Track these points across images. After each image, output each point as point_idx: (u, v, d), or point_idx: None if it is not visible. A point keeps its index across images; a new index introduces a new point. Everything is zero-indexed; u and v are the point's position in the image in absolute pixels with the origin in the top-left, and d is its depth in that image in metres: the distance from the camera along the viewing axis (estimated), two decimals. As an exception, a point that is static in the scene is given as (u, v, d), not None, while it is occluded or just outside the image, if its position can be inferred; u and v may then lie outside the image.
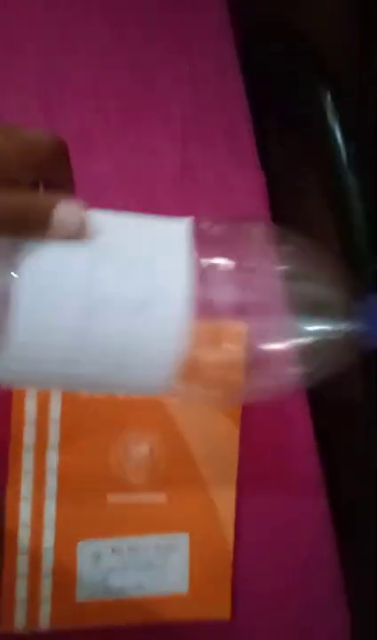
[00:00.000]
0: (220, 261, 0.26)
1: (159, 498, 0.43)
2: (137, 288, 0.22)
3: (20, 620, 0.40)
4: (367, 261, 0.46)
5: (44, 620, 0.41)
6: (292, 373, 0.27)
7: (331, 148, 0.43)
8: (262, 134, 0.46)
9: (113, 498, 0.42)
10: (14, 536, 0.41)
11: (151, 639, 0.42)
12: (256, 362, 0.26)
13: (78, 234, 0.22)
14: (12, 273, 0.21)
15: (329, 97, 0.44)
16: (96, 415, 0.43)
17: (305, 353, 0.26)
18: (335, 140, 0.42)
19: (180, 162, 0.45)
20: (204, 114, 0.45)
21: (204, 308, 0.24)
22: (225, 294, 0.25)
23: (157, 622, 0.42)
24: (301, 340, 0.26)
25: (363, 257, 0.46)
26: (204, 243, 0.25)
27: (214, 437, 0.44)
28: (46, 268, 0.22)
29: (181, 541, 0.43)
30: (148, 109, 0.44)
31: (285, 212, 0.47)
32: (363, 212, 0.45)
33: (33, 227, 0.21)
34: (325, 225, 0.46)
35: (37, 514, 0.41)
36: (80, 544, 0.41)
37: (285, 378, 0.27)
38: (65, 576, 0.41)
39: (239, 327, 0.25)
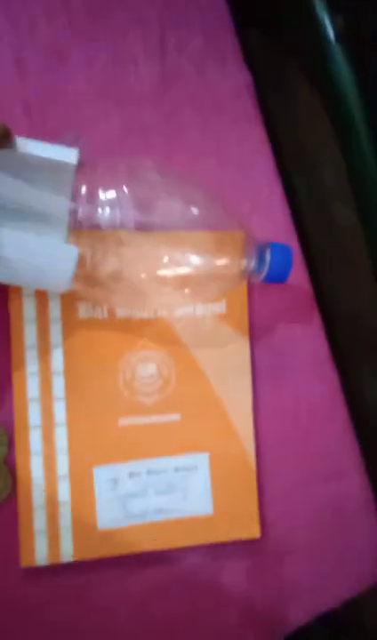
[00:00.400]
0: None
1: (173, 418, 0.41)
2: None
3: (41, 554, 0.39)
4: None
5: (67, 552, 0.39)
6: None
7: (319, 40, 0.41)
8: (245, 32, 0.44)
9: (125, 420, 0.41)
10: (26, 465, 0.39)
11: (180, 565, 0.41)
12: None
13: None
14: None
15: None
16: (99, 337, 0.41)
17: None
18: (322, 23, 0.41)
19: (160, 70, 0.43)
20: (182, 15, 0.44)
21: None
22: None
23: (184, 546, 0.40)
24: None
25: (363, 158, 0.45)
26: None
27: (224, 350, 0.42)
28: None
29: (201, 461, 0.41)
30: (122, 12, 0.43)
31: (275, 112, 0.45)
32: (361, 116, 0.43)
33: None
34: (316, 127, 0.44)
35: (48, 441, 0.40)
36: (96, 470, 0.40)
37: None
38: (83, 504, 0.40)
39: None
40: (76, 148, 0.35)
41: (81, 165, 0.36)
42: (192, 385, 0.42)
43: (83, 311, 0.41)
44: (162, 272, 0.38)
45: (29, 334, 0.40)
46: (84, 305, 0.41)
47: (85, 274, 0.38)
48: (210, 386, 0.42)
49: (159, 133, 0.43)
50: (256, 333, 0.43)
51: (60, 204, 0.36)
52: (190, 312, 0.42)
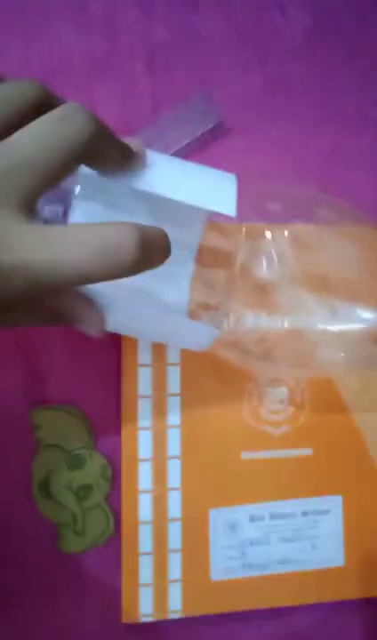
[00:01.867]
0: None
1: (304, 452, 0.35)
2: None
3: (145, 609, 0.34)
4: None
5: (175, 607, 0.34)
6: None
7: None
8: None
9: (248, 455, 0.35)
10: (132, 505, 0.34)
11: (302, 622, 0.36)
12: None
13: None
14: None
15: None
16: (221, 359, 0.34)
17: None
18: None
19: (312, 15, 0.35)
20: None
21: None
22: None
23: (310, 603, 0.35)
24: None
25: None
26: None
27: (368, 374, 0.36)
28: None
29: (334, 504, 0.36)
30: None
31: None
32: None
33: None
34: None
35: (159, 477, 0.34)
36: (212, 512, 0.35)
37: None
38: (196, 552, 0.35)
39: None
40: (233, 179, 0.26)
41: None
42: (328, 414, 0.36)
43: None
44: (322, 330, 0.32)
45: (143, 349, 0.34)
46: (207, 313, 0.34)
47: (227, 340, 0.32)
48: (349, 415, 0.36)
49: (308, 95, 0.36)
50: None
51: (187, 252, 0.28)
52: (334, 331, 0.35)
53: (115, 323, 0.27)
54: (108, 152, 0.22)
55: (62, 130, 0.20)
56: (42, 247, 0.19)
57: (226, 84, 0.35)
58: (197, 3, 0.35)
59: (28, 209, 0.20)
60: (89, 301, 0.26)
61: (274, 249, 0.31)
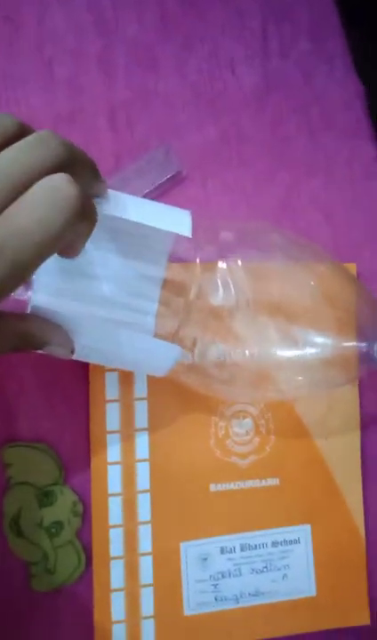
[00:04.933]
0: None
1: (271, 482, 0.39)
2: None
3: (118, 646, 0.36)
4: None
5: (149, 643, 0.37)
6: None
7: None
8: (353, 33, 0.43)
9: (217, 487, 0.39)
10: (104, 541, 0.37)
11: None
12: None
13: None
14: None
15: None
16: (186, 391, 0.39)
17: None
18: None
19: (262, 73, 0.41)
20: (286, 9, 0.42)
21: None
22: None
23: (285, 635, 0.38)
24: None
25: None
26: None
27: (330, 401, 0.40)
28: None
29: (303, 534, 0.40)
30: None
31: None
32: None
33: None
34: None
35: (130, 513, 0.37)
36: (183, 545, 0.38)
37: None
38: (168, 586, 0.38)
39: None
40: (188, 211, 0.32)
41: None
42: (293, 443, 0.40)
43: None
44: (280, 355, 0.37)
45: (111, 383, 0.38)
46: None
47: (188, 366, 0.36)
48: (313, 444, 0.41)
49: (260, 146, 0.42)
50: (367, 381, 0.41)
51: (153, 284, 0.33)
52: (291, 356, 0.40)
53: (81, 348, 0.31)
54: (82, 174, 0.25)
55: (33, 155, 0.23)
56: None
57: (183, 136, 0.41)
58: (155, 63, 0.41)
59: None
60: (55, 324, 0.30)
61: (229, 278, 0.36)
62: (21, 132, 0.25)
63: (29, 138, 0.24)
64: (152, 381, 0.40)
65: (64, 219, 0.23)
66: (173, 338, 0.37)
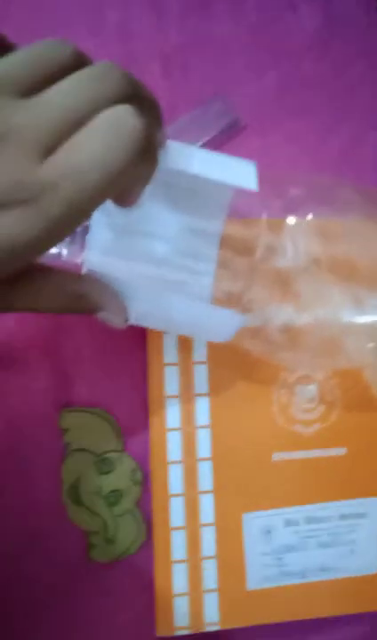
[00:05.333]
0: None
1: (337, 452, 0.37)
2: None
3: (181, 622, 0.36)
4: None
5: (212, 619, 0.36)
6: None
7: None
8: None
9: (279, 456, 0.37)
10: (165, 511, 0.36)
11: (346, 635, 0.37)
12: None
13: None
14: None
15: None
16: (249, 353, 0.37)
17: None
18: None
19: (324, 13, 0.39)
20: None
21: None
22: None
23: (352, 613, 0.37)
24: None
25: None
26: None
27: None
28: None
29: (372, 508, 0.38)
30: None
31: None
32: None
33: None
34: None
35: (191, 481, 0.36)
36: (246, 517, 0.36)
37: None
38: (231, 559, 0.36)
39: None
40: (253, 162, 0.29)
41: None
42: (361, 411, 0.38)
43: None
44: (349, 320, 0.34)
45: (169, 347, 0.36)
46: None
47: (252, 331, 0.34)
48: (382, 412, 0.38)
49: (323, 93, 0.39)
50: None
51: (210, 242, 0.31)
52: (362, 322, 0.38)
53: (137, 314, 0.30)
54: (145, 112, 0.22)
55: (94, 87, 0.21)
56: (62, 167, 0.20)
57: (241, 84, 0.39)
58: (210, 6, 0.39)
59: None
60: (111, 289, 0.28)
61: (296, 237, 0.34)
62: (80, 61, 0.22)
63: (90, 68, 0.22)
64: (212, 345, 0.38)
65: (126, 154, 0.21)
66: (237, 301, 0.36)
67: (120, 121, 0.21)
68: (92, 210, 0.22)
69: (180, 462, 0.37)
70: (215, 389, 0.38)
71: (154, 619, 0.36)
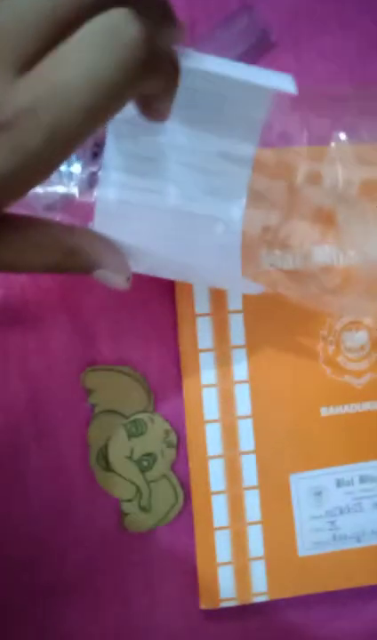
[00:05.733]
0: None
1: (393, 405, 0.34)
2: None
3: (227, 593, 0.33)
4: None
5: (260, 589, 0.33)
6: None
7: None
8: None
9: (329, 411, 0.34)
10: (204, 474, 0.33)
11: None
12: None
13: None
14: None
15: None
16: (288, 301, 0.33)
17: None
18: None
19: None
20: None
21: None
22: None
23: None
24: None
25: None
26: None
27: None
28: None
29: None
30: None
31: None
32: None
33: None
34: None
35: (230, 441, 0.33)
36: (293, 477, 0.33)
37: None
38: (279, 524, 0.34)
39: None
40: (288, 74, 0.25)
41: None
42: None
43: (266, 262, 0.33)
44: None
45: (201, 296, 0.33)
46: (269, 254, 0.33)
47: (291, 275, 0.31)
48: None
49: (363, 3, 0.34)
50: None
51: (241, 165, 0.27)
52: None
53: (152, 265, 0.26)
54: (150, 13, 0.19)
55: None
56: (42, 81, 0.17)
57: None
58: None
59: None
60: (111, 244, 0.24)
61: (342, 164, 0.30)
62: None
63: None
64: (247, 294, 0.35)
65: (124, 69, 0.17)
66: (273, 237, 0.32)
67: (116, 28, 0.17)
68: (82, 139, 0.18)
69: (217, 421, 0.34)
70: (253, 341, 0.34)
71: (197, 591, 0.34)
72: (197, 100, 0.26)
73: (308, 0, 0.35)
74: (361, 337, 0.35)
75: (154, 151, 0.26)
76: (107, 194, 0.26)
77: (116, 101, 0.17)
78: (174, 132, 0.26)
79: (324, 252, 0.33)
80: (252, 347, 0.34)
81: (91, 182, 0.30)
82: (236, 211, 0.28)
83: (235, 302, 0.35)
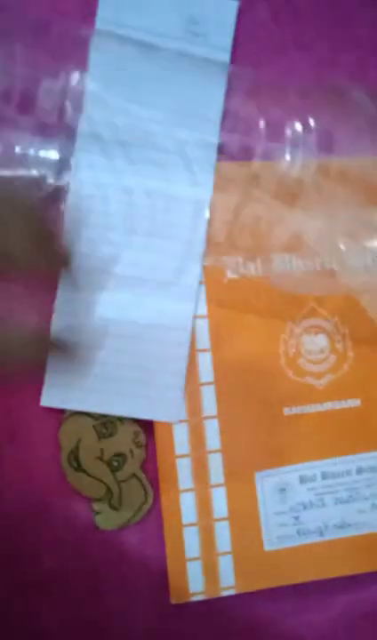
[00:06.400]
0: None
1: (351, 404, 0.36)
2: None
3: (195, 587, 0.35)
4: None
5: (228, 583, 0.34)
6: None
7: None
8: None
9: (291, 410, 0.35)
10: (172, 473, 0.34)
11: (368, 595, 0.36)
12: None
13: None
14: None
15: None
16: (253, 302, 0.35)
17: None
18: None
19: None
20: None
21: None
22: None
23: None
24: None
25: None
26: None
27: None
28: None
29: (391, 459, 0.36)
30: None
31: None
32: None
33: None
34: None
35: (197, 441, 0.34)
36: (258, 475, 0.35)
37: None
38: (245, 520, 0.35)
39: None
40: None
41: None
42: (375, 360, 0.36)
43: (230, 269, 0.35)
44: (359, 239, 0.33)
45: (167, 300, 0.35)
46: (232, 260, 0.35)
47: (247, 245, 0.32)
48: (397, 361, 0.37)
49: (320, 24, 0.36)
50: None
51: (208, 140, 0.29)
52: (363, 258, 0.36)
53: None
54: None
55: None
56: None
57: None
58: None
59: None
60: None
61: (300, 146, 0.32)
62: None
63: None
64: (210, 299, 0.36)
65: None
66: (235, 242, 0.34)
67: None
68: None
69: (185, 422, 0.36)
70: (217, 344, 0.36)
71: (168, 586, 0.35)
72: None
73: (266, 24, 0.38)
74: (320, 340, 0.37)
75: (126, 135, 0.28)
76: (80, 176, 0.28)
77: None
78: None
79: (285, 260, 0.35)
80: (216, 349, 0.36)
81: (63, 166, 0.32)
82: (204, 194, 0.30)
83: (200, 308, 0.36)
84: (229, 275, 0.37)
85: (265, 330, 0.37)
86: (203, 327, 0.36)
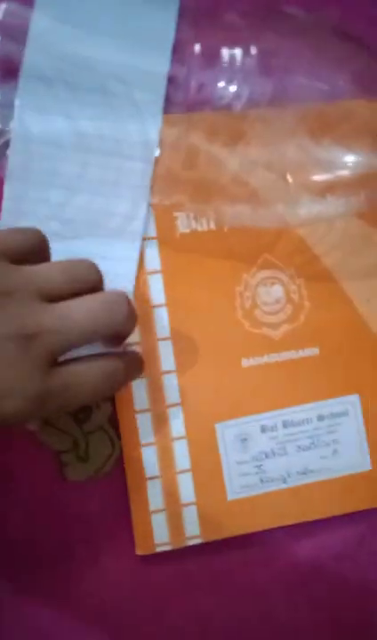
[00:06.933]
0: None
1: (310, 353, 0.36)
2: None
3: (160, 538, 0.36)
4: None
5: (193, 532, 0.35)
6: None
7: None
8: None
9: (249, 362, 0.36)
10: (132, 427, 0.35)
11: (338, 537, 0.36)
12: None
13: None
14: None
15: None
16: (206, 256, 0.36)
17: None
18: None
19: None
20: None
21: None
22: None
23: (341, 514, 0.36)
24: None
25: None
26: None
27: (371, 262, 0.37)
28: None
29: (351, 404, 0.37)
30: None
31: None
32: None
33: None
34: None
35: (156, 395, 0.35)
36: (219, 426, 0.36)
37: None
38: (207, 470, 0.36)
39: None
40: None
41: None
42: (331, 309, 0.37)
43: (182, 224, 0.36)
44: (300, 174, 0.33)
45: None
46: (183, 216, 0.36)
47: (191, 179, 0.32)
48: (354, 309, 0.37)
49: None
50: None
51: (156, 72, 0.29)
52: (321, 212, 0.36)
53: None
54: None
55: (105, 316, 0.28)
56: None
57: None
58: None
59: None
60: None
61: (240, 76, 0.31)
62: (99, 286, 0.30)
63: (104, 295, 0.29)
64: (164, 254, 0.37)
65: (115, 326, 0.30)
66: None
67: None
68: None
69: (143, 377, 0.36)
70: (173, 299, 0.37)
71: (133, 538, 0.36)
72: None
73: None
74: (276, 291, 0.38)
75: (72, 75, 0.29)
76: (25, 118, 0.28)
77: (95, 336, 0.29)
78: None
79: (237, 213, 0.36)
80: (172, 305, 0.37)
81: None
82: (153, 129, 0.30)
83: (153, 263, 0.37)
84: (181, 229, 0.37)
85: (220, 283, 0.37)
86: (157, 282, 0.37)
